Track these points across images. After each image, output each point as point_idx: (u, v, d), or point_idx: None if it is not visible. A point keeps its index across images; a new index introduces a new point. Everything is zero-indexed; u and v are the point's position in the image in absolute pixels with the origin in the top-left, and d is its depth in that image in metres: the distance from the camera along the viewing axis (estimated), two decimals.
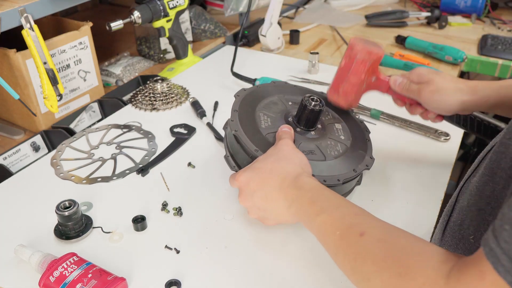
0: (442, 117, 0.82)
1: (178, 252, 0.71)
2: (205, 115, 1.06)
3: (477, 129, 0.85)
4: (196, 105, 1.09)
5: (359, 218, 0.57)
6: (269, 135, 0.74)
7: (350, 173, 0.74)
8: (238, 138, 0.74)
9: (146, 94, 1.14)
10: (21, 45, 0.94)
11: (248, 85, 1.17)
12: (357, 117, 0.88)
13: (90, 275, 0.63)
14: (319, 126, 0.79)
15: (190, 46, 1.33)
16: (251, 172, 0.67)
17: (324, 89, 0.97)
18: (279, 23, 1.44)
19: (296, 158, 0.67)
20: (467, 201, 0.59)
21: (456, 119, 0.86)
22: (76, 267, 0.64)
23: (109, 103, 1.14)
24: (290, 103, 0.82)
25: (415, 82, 0.78)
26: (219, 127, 1.02)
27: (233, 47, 1.37)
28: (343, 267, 0.55)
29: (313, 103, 0.74)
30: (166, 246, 0.72)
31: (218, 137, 0.99)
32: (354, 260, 0.52)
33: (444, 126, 0.99)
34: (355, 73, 0.78)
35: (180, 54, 1.30)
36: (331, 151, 0.76)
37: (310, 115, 0.75)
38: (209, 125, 1.03)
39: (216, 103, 1.11)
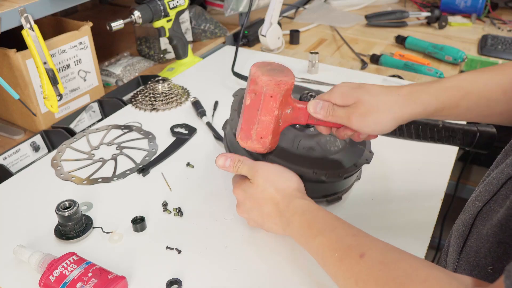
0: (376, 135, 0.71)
1: (179, 252, 0.71)
2: (205, 115, 1.06)
3: (415, 134, 0.77)
4: (197, 104, 1.09)
5: (357, 239, 0.55)
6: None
7: (351, 168, 0.74)
8: None
9: (146, 94, 1.14)
10: (21, 45, 0.94)
11: None
12: None
13: (90, 274, 0.63)
14: None
15: (190, 46, 1.33)
16: (245, 194, 0.67)
17: (323, 89, 0.97)
18: (279, 23, 1.44)
19: (280, 181, 0.66)
20: (486, 230, 0.55)
21: (392, 132, 0.72)
22: (76, 266, 0.64)
23: (109, 103, 1.14)
24: None
25: (339, 105, 0.65)
26: (219, 126, 1.02)
27: (233, 47, 1.37)
28: None
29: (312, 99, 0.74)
30: (167, 247, 0.72)
31: (218, 136, 0.99)
32: (356, 283, 0.51)
33: None
34: (266, 111, 0.64)
35: (180, 54, 1.30)
36: (331, 146, 0.76)
37: None
38: (209, 124, 1.03)
39: (216, 103, 1.11)
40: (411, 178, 0.87)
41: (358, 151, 0.78)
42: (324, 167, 0.72)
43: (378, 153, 0.88)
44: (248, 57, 1.37)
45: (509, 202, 0.51)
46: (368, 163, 0.77)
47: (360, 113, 0.63)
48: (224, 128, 0.86)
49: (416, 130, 0.76)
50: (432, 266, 0.48)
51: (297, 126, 0.76)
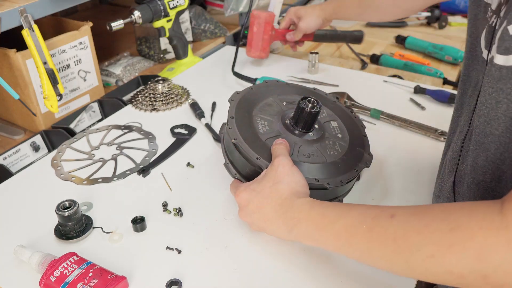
0: (311, 38, 1.27)
1: (179, 252, 0.71)
2: (203, 116, 1.06)
3: (330, 37, 1.32)
4: (195, 106, 1.09)
5: (380, 209, 0.54)
6: (268, 141, 0.73)
7: (352, 173, 0.74)
8: (238, 147, 0.73)
9: (147, 94, 1.14)
10: (21, 45, 0.94)
11: (248, 85, 1.17)
12: (347, 109, 0.87)
13: (90, 274, 0.63)
14: (316, 126, 0.78)
15: (190, 46, 1.33)
16: (249, 194, 0.67)
17: (324, 89, 0.97)
18: (279, 23, 1.44)
19: (292, 181, 0.65)
20: (467, 185, 0.58)
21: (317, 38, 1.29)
22: (76, 266, 0.64)
23: (109, 103, 1.14)
24: (284, 103, 0.82)
25: (296, 21, 1.23)
26: (218, 127, 1.02)
27: (233, 47, 1.37)
28: (383, 259, 0.52)
29: (310, 105, 0.73)
30: (167, 247, 0.72)
31: (217, 137, 0.99)
32: (394, 241, 0.49)
33: (444, 126, 0.99)
34: (265, 32, 1.23)
35: (180, 54, 1.30)
36: (331, 151, 0.76)
37: (308, 117, 0.74)
38: (208, 126, 1.03)
39: (214, 104, 1.11)
40: (411, 178, 0.87)
41: (358, 155, 0.77)
42: (325, 174, 0.71)
43: (377, 154, 0.88)
44: (248, 57, 1.37)
45: (472, 146, 0.55)
46: (368, 166, 0.77)
47: (302, 21, 1.21)
48: (221, 133, 0.85)
49: (330, 36, 1.31)
50: (463, 202, 0.50)
51: (296, 132, 0.76)
